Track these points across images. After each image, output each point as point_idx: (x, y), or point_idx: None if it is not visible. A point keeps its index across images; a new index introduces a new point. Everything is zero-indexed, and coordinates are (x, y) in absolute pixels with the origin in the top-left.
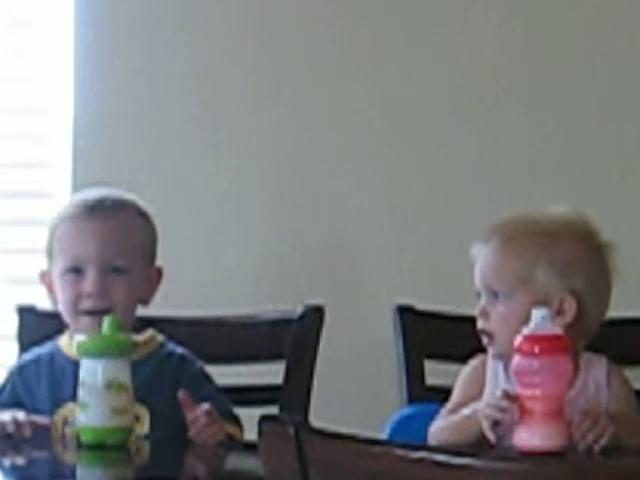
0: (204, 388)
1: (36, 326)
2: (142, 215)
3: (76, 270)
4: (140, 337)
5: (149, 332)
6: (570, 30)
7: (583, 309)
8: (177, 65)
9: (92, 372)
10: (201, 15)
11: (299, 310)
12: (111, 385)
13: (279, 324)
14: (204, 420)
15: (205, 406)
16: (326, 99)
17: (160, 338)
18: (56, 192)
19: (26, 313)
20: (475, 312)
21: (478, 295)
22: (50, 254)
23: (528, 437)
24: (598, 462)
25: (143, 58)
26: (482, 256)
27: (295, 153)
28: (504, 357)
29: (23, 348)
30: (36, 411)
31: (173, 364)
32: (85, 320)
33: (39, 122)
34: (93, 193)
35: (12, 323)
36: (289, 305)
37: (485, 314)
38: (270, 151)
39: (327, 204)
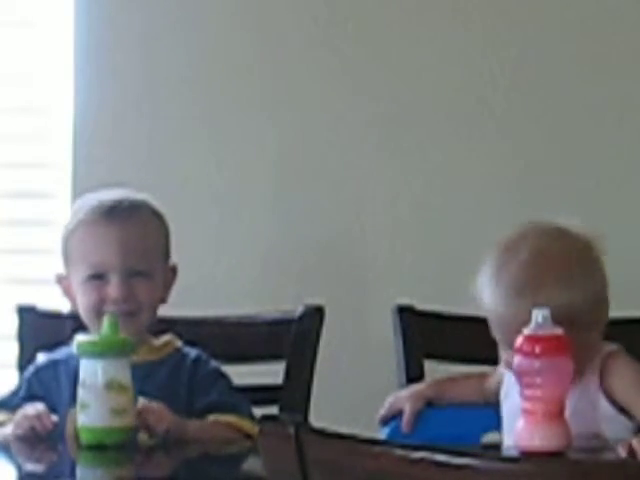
0: (215, 387)
1: (36, 326)
2: (156, 215)
3: (99, 277)
4: (157, 341)
5: (167, 336)
6: (570, 31)
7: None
8: (177, 65)
9: (92, 372)
10: (201, 15)
11: (299, 310)
12: (111, 385)
13: (279, 324)
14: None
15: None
16: (327, 99)
17: (178, 343)
18: (56, 192)
19: (26, 313)
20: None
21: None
22: (68, 260)
23: (529, 437)
24: (598, 462)
25: (143, 58)
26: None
27: (295, 153)
28: None
29: (23, 348)
30: (56, 412)
31: (188, 365)
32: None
33: (39, 122)
34: (107, 196)
35: (12, 323)
36: (289, 305)
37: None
38: (270, 151)
39: (327, 204)
